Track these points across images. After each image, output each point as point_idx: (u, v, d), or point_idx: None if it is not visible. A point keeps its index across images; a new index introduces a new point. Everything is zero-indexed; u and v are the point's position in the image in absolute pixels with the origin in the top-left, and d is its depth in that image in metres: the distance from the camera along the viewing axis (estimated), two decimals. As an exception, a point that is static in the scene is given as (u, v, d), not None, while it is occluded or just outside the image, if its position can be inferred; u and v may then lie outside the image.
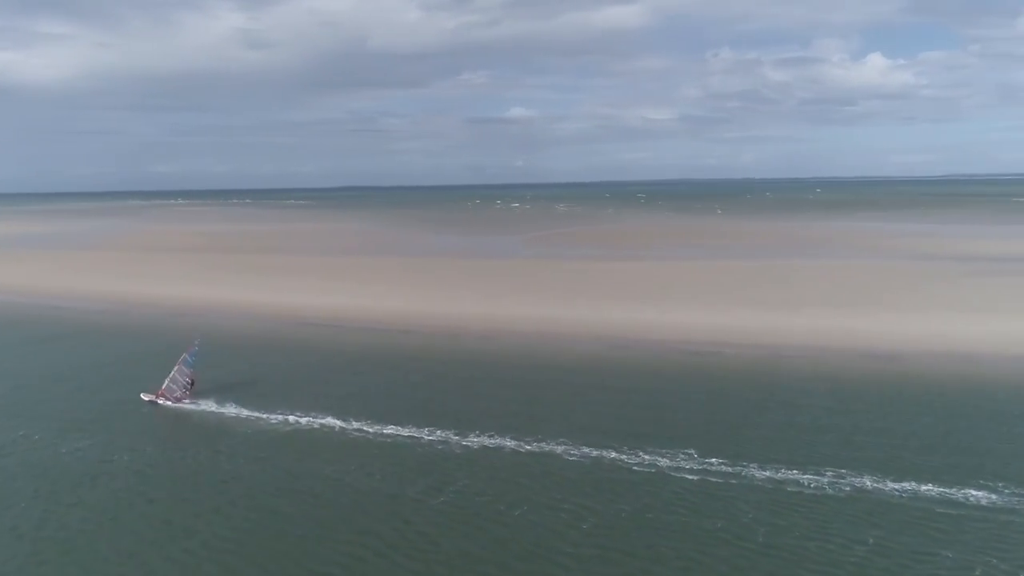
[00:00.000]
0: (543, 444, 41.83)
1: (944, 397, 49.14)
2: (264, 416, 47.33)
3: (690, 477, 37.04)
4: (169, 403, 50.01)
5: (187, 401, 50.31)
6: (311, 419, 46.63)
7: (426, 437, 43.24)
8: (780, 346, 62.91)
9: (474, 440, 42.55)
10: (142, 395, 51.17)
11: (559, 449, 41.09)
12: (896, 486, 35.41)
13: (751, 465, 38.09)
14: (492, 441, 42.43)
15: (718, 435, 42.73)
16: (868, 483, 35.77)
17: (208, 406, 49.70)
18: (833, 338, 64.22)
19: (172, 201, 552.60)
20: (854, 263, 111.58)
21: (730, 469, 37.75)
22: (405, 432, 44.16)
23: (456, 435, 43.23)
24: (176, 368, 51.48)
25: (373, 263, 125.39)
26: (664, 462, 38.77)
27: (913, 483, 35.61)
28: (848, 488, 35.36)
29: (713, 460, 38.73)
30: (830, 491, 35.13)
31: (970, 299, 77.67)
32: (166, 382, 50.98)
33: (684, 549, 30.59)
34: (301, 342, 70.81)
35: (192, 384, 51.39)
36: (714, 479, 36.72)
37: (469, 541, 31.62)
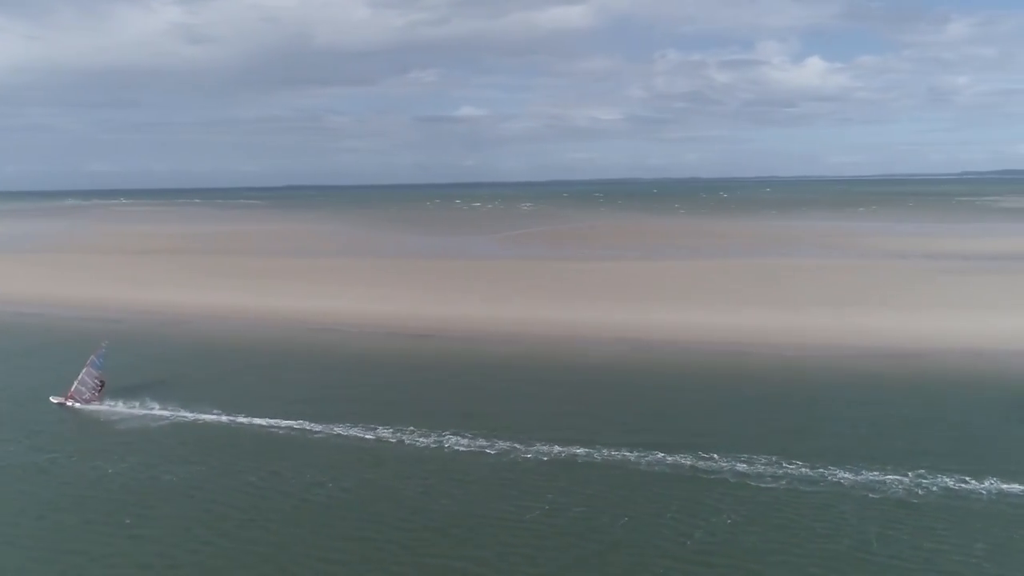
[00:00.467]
0: (614, 452, 41.47)
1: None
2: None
3: (775, 485, 37.12)
4: (79, 405, 50.71)
5: (95, 403, 50.82)
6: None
7: (488, 447, 42.60)
8: (805, 346, 64.07)
9: (542, 447, 42.04)
10: (51, 398, 51.61)
11: (632, 456, 40.84)
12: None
13: (834, 467, 38.34)
14: (558, 448, 41.97)
15: (791, 438, 43.13)
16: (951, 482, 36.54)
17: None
18: (850, 337, 65.82)
19: (115, 201, 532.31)
20: (841, 262, 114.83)
21: (810, 472, 38.14)
22: (464, 442, 43.25)
23: (519, 443, 42.60)
24: (84, 371, 51.87)
25: (364, 265, 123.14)
26: (742, 467, 38.93)
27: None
28: (935, 488, 36.03)
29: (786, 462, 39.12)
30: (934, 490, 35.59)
31: (966, 297, 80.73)
32: (75, 384, 51.36)
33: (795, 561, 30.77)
34: (310, 347, 69.39)
35: (102, 386, 51.79)
36: (803, 486, 36.95)
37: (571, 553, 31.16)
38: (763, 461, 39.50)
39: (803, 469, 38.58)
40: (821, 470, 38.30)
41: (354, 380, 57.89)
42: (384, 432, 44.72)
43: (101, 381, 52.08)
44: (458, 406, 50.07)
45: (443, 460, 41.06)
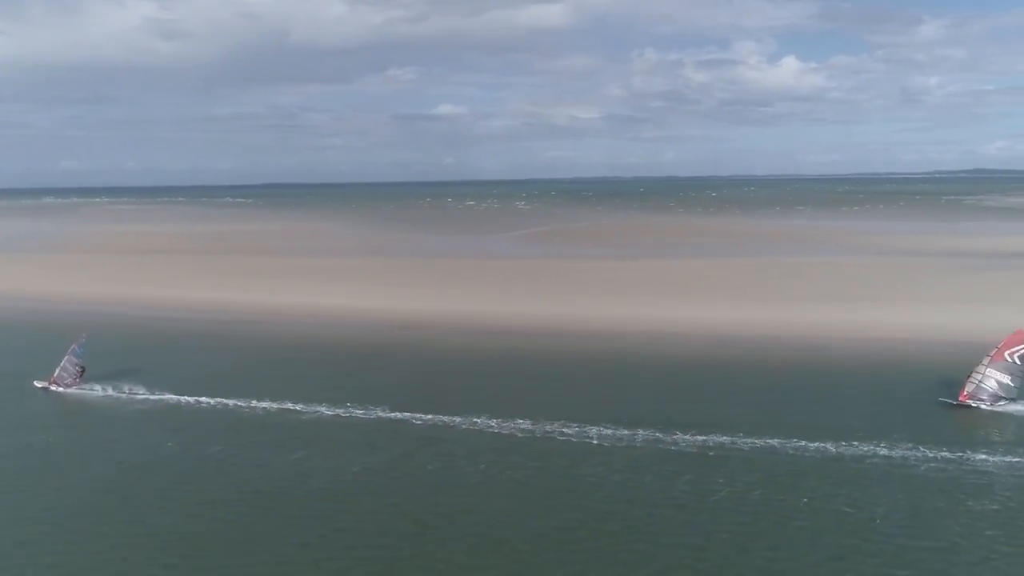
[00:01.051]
0: (764, 440, 43.34)
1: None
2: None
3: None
4: (60, 389, 56.13)
5: (75, 388, 56.09)
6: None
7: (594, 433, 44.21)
8: (842, 339, 66.57)
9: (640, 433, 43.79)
10: (35, 382, 56.67)
11: (775, 443, 42.74)
12: None
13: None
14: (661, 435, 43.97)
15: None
16: None
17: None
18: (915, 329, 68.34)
19: (96, 200, 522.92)
20: (853, 259, 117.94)
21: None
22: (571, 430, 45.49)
23: (663, 432, 44.35)
24: (66, 358, 56.71)
25: (399, 264, 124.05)
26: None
27: None
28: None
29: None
30: None
31: (985, 292, 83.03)
32: (57, 371, 56.52)
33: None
34: (402, 345, 70.69)
35: (82, 372, 56.92)
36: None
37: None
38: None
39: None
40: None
41: (470, 375, 59.81)
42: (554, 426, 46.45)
43: (81, 367, 56.83)
44: (604, 397, 52.87)
45: (513, 443, 44.17)
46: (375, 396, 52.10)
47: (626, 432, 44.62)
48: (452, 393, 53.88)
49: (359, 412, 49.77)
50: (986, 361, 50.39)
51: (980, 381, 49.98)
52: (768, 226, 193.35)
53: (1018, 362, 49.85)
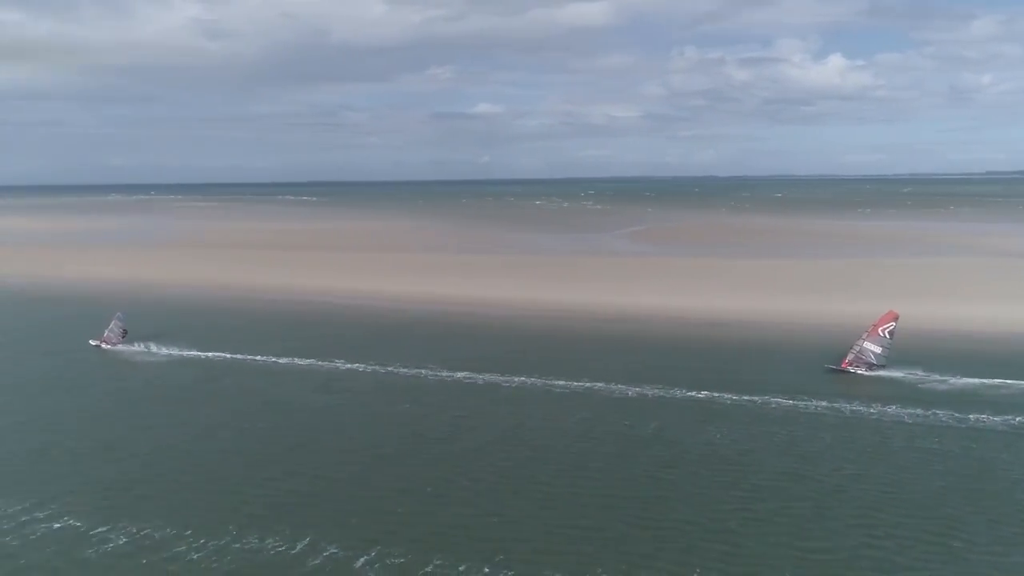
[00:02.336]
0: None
1: None
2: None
3: None
4: (107, 347, 70.88)
5: (121, 345, 70.79)
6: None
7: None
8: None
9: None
10: (90, 341, 71.97)
11: None
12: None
13: None
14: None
15: None
16: None
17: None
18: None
19: (146, 195, 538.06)
20: (940, 259, 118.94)
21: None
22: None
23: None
24: (112, 324, 72.28)
25: (528, 261, 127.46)
26: None
27: None
28: None
29: None
30: None
31: None
32: (105, 332, 72.05)
33: None
34: (608, 335, 73.00)
35: (125, 333, 72.16)
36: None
37: None
38: None
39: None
40: None
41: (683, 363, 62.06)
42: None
43: (124, 330, 72.31)
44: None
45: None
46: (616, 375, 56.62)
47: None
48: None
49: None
50: (864, 335, 60.62)
51: (858, 352, 60.12)
52: (866, 227, 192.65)
53: (888, 337, 60.02)
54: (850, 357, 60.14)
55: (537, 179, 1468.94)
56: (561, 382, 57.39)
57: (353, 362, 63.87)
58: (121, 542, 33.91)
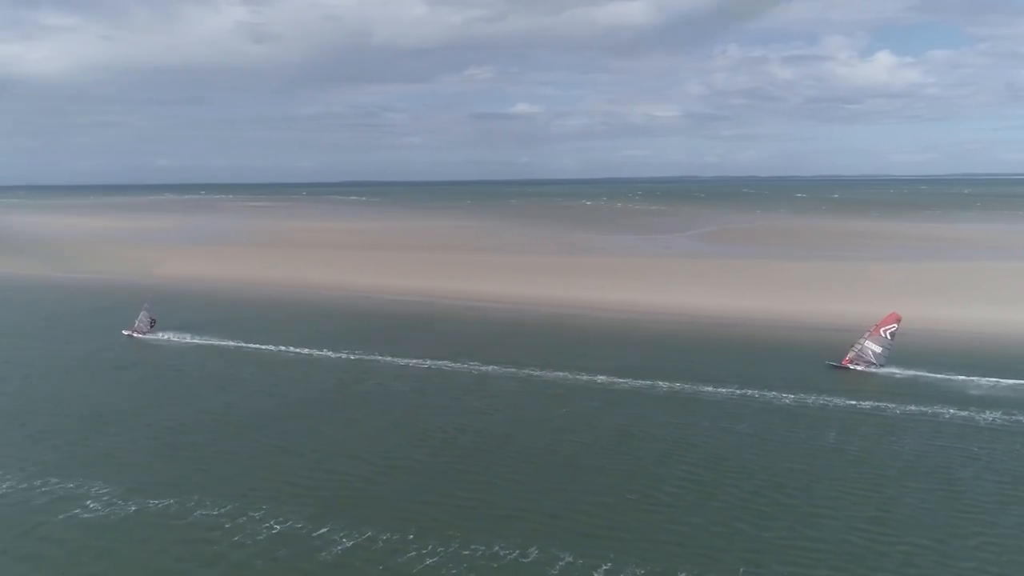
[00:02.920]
0: None
1: None
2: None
3: None
4: (138, 335, 75.99)
5: (149, 335, 75.70)
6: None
7: None
8: None
9: None
10: (123, 331, 76.88)
11: None
12: None
13: None
14: None
15: None
16: None
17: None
18: None
19: (197, 195, 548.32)
20: None
21: None
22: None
23: None
24: (141, 314, 77.03)
25: (618, 264, 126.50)
26: None
27: None
28: None
29: None
30: None
31: None
32: (136, 323, 77.05)
33: None
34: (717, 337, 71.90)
35: (153, 323, 76.95)
36: None
37: None
38: None
39: None
40: None
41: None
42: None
43: (153, 320, 76.96)
44: None
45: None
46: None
47: None
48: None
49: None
50: (866, 335, 62.63)
51: (859, 350, 62.13)
52: (949, 230, 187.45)
53: (889, 337, 61.95)
54: (851, 355, 62.09)
55: (576, 179, 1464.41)
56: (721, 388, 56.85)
57: (507, 366, 63.74)
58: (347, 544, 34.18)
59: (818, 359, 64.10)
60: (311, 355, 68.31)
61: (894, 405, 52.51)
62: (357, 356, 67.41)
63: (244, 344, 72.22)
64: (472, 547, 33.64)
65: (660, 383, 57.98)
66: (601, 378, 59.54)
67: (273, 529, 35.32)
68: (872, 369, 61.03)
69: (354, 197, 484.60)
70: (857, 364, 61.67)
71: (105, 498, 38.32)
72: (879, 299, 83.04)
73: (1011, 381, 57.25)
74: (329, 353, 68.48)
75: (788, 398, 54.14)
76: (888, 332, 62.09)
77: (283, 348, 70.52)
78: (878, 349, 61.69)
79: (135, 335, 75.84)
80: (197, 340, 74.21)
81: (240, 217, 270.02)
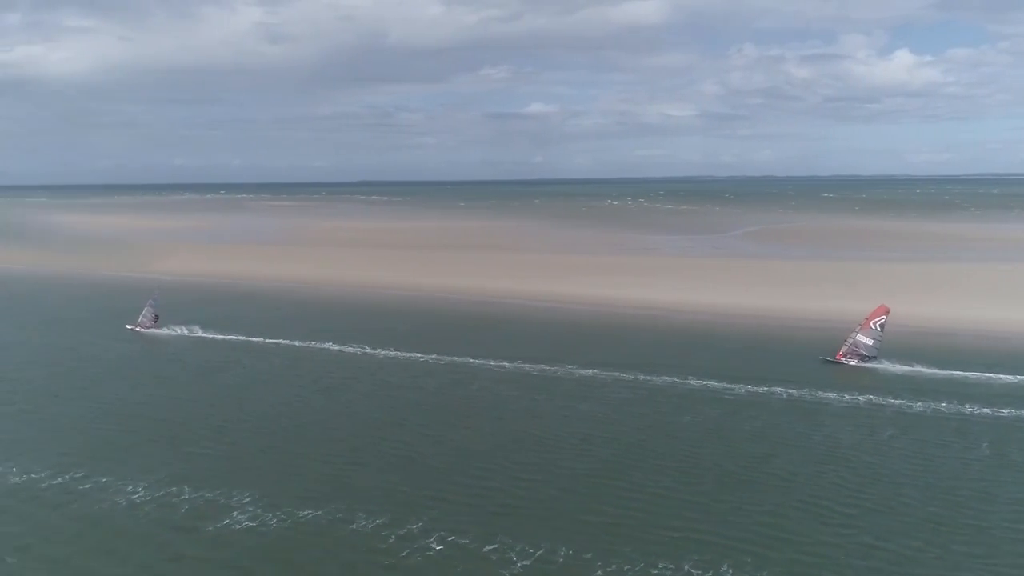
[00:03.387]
0: None
1: None
2: None
3: None
4: (141, 330, 77.78)
5: (153, 328, 77.55)
6: None
7: None
8: None
9: None
10: (127, 325, 78.63)
11: None
12: None
13: None
14: None
15: None
16: None
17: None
18: None
19: (216, 194, 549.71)
20: None
21: None
22: None
23: None
24: (144, 310, 78.81)
25: (672, 264, 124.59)
26: None
27: None
28: None
29: None
30: None
31: None
32: (139, 318, 78.77)
33: None
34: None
35: (157, 318, 78.42)
36: None
37: None
38: None
39: None
40: None
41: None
42: None
43: (156, 315, 78.45)
44: None
45: None
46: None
47: None
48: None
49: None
50: (857, 329, 63.23)
51: (852, 344, 62.74)
52: (996, 230, 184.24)
53: (879, 329, 62.51)
54: (843, 349, 62.75)
55: (591, 179, 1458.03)
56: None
57: (610, 370, 61.93)
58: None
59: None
60: (411, 358, 66.70)
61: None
62: (448, 359, 65.74)
63: (332, 346, 70.85)
64: (660, 565, 31.88)
65: (777, 389, 56.01)
66: (712, 383, 57.55)
67: (442, 542, 33.71)
68: (865, 363, 61.39)
69: (376, 197, 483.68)
70: (850, 359, 62.29)
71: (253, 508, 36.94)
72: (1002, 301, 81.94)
73: None
74: (418, 355, 66.91)
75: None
76: (878, 324, 62.50)
77: (380, 351, 68.78)
78: (869, 342, 62.29)
79: (139, 329, 77.66)
80: (296, 343, 72.22)
81: (274, 217, 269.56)
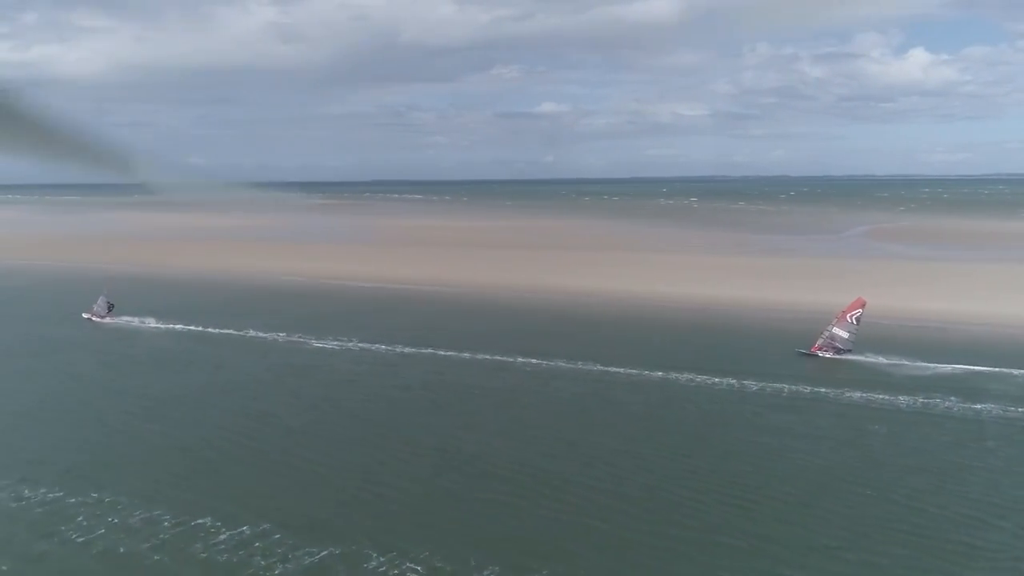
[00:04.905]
0: None
1: None
2: None
3: None
4: (95, 319, 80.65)
5: (108, 319, 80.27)
6: None
7: None
8: None
9: None
10: (83, 314, 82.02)
11: None
12: None
13: None
14: None
15: None
16: None
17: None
18: None
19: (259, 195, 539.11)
20: None
21: None
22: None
23: None
24: (99, 299, 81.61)
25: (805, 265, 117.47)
26: None
27: None
28: None
29: None
30: None
31: None
32: (94, 307, 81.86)
33: None
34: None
35: (111, 307, 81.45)
36: None
37: None
38: None
39: None
40: None
41: None
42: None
43: (111, 304, 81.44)
44: None
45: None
46: None
47: None
48: None
49: None
50: (833, 321, 62.96)
51: (828, 336, 62.50)
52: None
53: (855, 322, 62.30)
54: (820, 342, 62.52)
55: (603, 178, 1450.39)
56: None
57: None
58: None
59: None
60: (544, 365, 60.91)
61: None
62: (586, 366, 60.18)
63: (458, 354, 64.49)
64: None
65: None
66: (882, 396, 51.40)
67: None
68: (843, 356, 60.74)
69: (407, 196, 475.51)
70: (826, 351, 61.88)
71: None
72: None
73: None
74: (543, 362, 61.50)
75: None
76: (854, 317, 62.11)
77: (509, 359, 62.46)
78: (845, 335, 61.99)
79: (94, 318, 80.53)
80: (429, 350, 66.14)
81: (325, 215, 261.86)
